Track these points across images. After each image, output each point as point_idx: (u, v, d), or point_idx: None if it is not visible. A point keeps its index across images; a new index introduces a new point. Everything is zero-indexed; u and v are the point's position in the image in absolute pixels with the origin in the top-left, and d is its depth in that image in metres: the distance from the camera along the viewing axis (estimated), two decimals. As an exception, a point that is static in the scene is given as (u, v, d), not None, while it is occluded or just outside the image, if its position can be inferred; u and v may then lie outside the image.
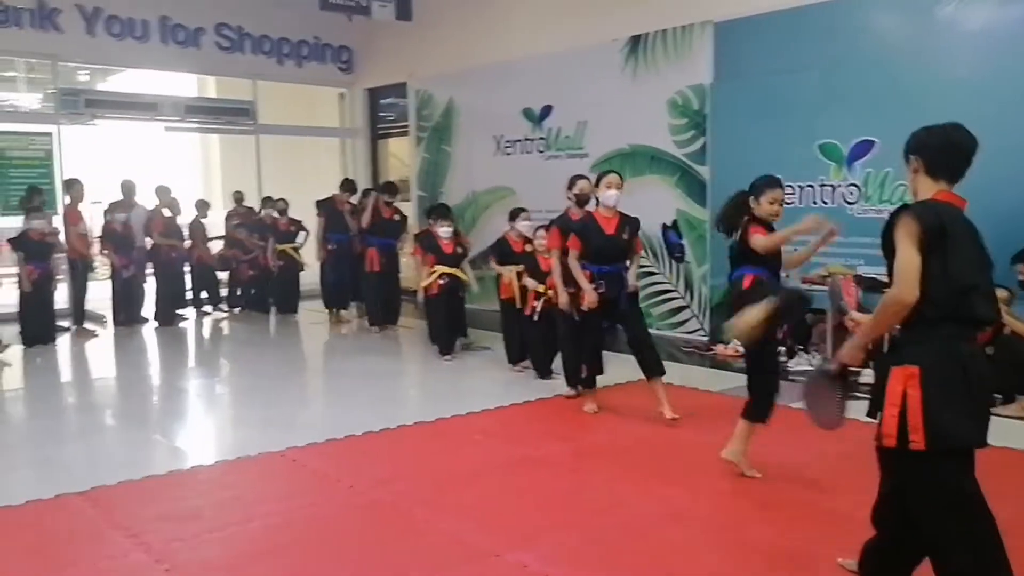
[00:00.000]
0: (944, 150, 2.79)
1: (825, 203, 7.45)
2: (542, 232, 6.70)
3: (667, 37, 8.60)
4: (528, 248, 7.08)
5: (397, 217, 9.44)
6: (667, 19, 8.57)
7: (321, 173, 13.37)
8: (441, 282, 7.76)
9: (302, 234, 10.99)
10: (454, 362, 7.80)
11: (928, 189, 2.80)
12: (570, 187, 6.27)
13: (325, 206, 10.19)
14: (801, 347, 7.36)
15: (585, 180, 6.26)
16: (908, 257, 2.67)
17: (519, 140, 10.41)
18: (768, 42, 7.77)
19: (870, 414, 2.92)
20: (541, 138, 10.12)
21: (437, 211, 8.31)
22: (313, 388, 7.65)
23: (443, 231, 7.93)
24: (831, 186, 7.43)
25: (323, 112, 13.75)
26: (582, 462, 4.88)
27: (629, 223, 5.73)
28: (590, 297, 5.56)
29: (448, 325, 7.91)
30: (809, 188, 7.56)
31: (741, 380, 6.82)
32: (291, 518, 4.11)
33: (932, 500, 2.70)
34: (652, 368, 5.63)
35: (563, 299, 5.93)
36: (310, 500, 4.36)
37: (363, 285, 9.63)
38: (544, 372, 6.90)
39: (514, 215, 7.47)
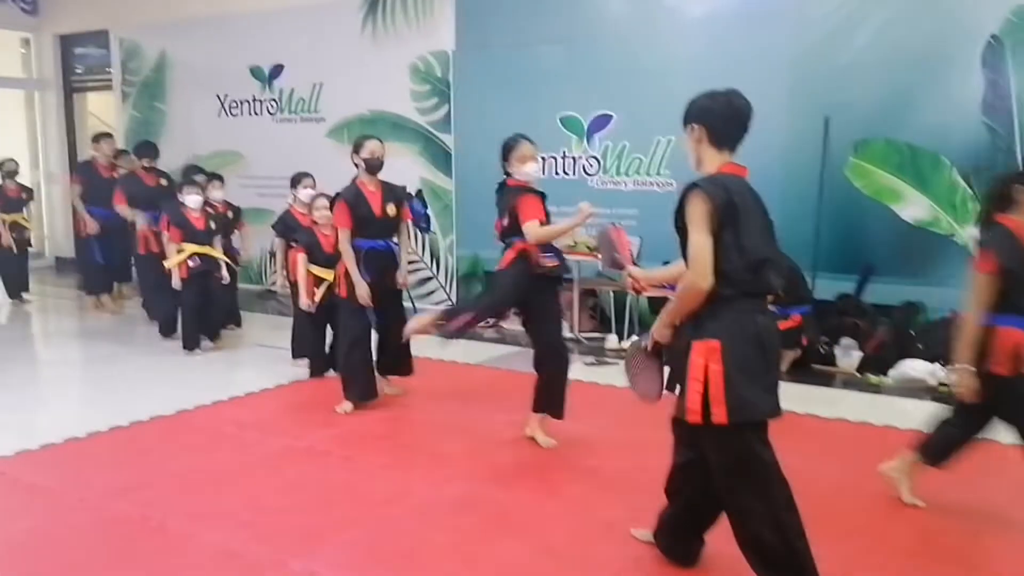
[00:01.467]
0: (729, 119, 2.76)
1: (567, 174, 7.62)
2: (323, 201, 5.66)
3: (407, 0, 8.30)
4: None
5: (164, 182, 7.86)
6: (407, -19, 8.27)
7: (2, 129, 11.53)
8: (191, 264, 6.54)
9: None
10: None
11: (713, 159, 2.78)
12: (356, 151, 5.11)
13: (84, 171, 8.38)
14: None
15: (375, 141, 5.15)
16: (699, 242, 2.64)
17: (247, 100, 9.59)
18: (509, 13, 7.73)
19: (670, 387, 2.91)
20: (272, 99, 9.39)
21: (187, 173, 6.93)
22: (23, 382, 6.19)
23: (191, 200, 6.60)
24: (572, 158, 7.60)
25: (3, 60, 11.78)
26: (352, 450, 4.51)
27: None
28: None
29: (198, 316, 6.66)
30: (552, 159, 7.68)
31: (496, 351, 6.88)
32: (9, 546, 3.38)
33: (733, 470, 2.75)
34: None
35: (361, 290, 4.99)
36: (31, 521, 3.62)
37: (137, 268, 8.13)
38: (319, 372, 5.87)
39: (295, 181, 6.28)
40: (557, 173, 7.68)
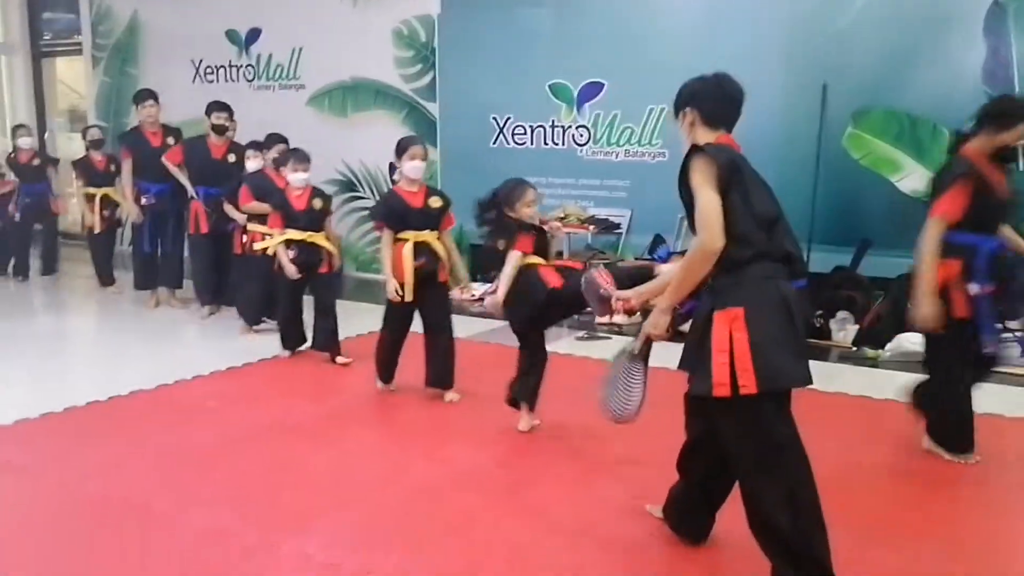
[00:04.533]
0: (720, 100, 2.72)
1: (556, 144, 7.45)
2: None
3: (391, -39, 8.05)
4: (434, 204, 4.70)
5: (233, 159, 6.67)
6: (389, -58, 8.00)
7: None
8: (291, 253, 5.40)
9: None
10: (176, 321, 6.61)
11: (707, 137, 2.69)
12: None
13: (131, 140, 7.12)
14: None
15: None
16: (708, 201, 2.53)
17: (223, 66, 9.30)
18: (497, -27, 7.52)
19: (682, 367, 2.73)
20: (249, 65, 9.11)
21: (290, 150, 5.71)
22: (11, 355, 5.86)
23: (296, 178, 5.41)
24: (562, 127, 7.42)
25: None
26: (343, 427, 4.34)
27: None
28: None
29: (299, 317, 5.60)
30: (540, 129, 7.50)
31: (485, 325, 6.71)
32: (-17, 530, 3.20)
33: (750, 445, 2.60)
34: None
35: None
36: (6, 502, 3.45)
37: (192, 252, 6.91)
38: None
39: (401, 149, 4.65)
40: (546, 143, 7.50)
